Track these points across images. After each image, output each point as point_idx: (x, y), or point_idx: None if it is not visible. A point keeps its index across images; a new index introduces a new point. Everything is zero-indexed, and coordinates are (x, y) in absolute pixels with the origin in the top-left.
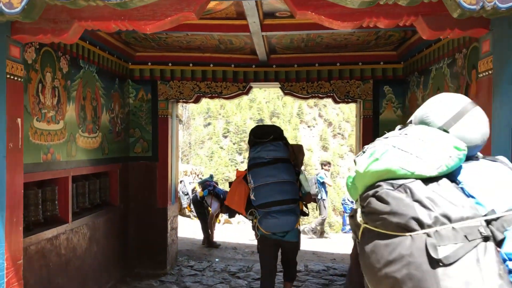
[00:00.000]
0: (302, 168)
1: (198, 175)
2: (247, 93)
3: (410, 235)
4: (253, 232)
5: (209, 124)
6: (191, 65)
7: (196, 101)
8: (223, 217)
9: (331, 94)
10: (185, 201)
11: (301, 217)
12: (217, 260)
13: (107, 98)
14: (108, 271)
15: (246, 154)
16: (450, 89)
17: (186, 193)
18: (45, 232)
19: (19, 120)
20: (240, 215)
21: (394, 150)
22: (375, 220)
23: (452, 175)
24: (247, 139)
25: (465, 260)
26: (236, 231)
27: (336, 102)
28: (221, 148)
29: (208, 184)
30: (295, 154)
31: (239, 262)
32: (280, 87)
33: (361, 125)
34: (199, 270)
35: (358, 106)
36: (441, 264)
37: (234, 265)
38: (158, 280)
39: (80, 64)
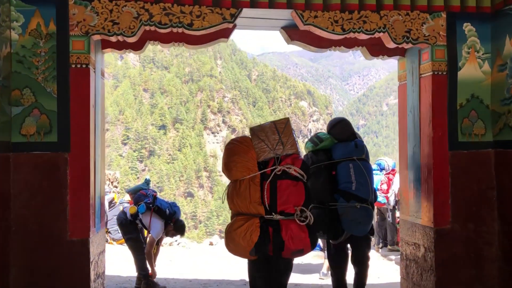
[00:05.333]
0: None
1: (112, 183)
2: (230, 32)
3: None
4: None
5: (106, 130)
6: None
7: (141, 45)
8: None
9: (381, 33)
10: None
11: None
12: None
13: None
14: None
15: (148, 162)
16: None
17: None
18: None
19: None
20: None
21: None
22: None
23: None
24: (148, 146)
25: None
26: (172, 257)
27: (375, 53)
28: (120, 155)
29: (144, 195)
30: None
31: None
32: (284, 28)
33: (431, 86)
34: None
35: (412, 59)
36: None
37: None
38: None
39: None
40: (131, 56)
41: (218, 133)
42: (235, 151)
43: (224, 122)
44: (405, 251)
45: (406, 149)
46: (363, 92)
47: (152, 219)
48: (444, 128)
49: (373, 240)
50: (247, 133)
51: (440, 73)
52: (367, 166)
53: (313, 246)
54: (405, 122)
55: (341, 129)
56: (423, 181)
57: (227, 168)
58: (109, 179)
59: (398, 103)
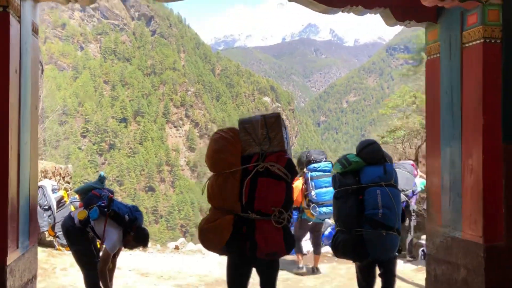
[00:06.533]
0: None
1: (64, 178)
2: None
3: None
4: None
5: (65, 122)
6: None
7: None
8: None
9: None
10: (45, 221)
11: None
12: None
13: None
14: None
15: (108, 155)
16: None
17: (46, 207)
18: None
19: None
20: None
21: None
22: None
23: None
24: (108, 139)
25: None
26: (131, 266)
27: (400, 17)
28: (79, 148)
29: (97, 196)
30: None
31: None
32: None
33: (481, 58)
34: None
35: (450, 26)
36: None
37: None
38: None
39: None
40: (91, 47)
41: (180, 127)
42: (219, 142)
43: (187, 116)
44: (434, 270)
45: (438, 140)
46: (324, 89)
47: (107, 227)
48: (497, 113)
49: None
50: (210, 127)
51: (493, 41)
52: (394, 192)
53: (288, 249)
54: (436, 106)
55: (371, 152)
56: (466, 182)
57: (209, 159)
58: (60, 173)
59: (426, 83)
